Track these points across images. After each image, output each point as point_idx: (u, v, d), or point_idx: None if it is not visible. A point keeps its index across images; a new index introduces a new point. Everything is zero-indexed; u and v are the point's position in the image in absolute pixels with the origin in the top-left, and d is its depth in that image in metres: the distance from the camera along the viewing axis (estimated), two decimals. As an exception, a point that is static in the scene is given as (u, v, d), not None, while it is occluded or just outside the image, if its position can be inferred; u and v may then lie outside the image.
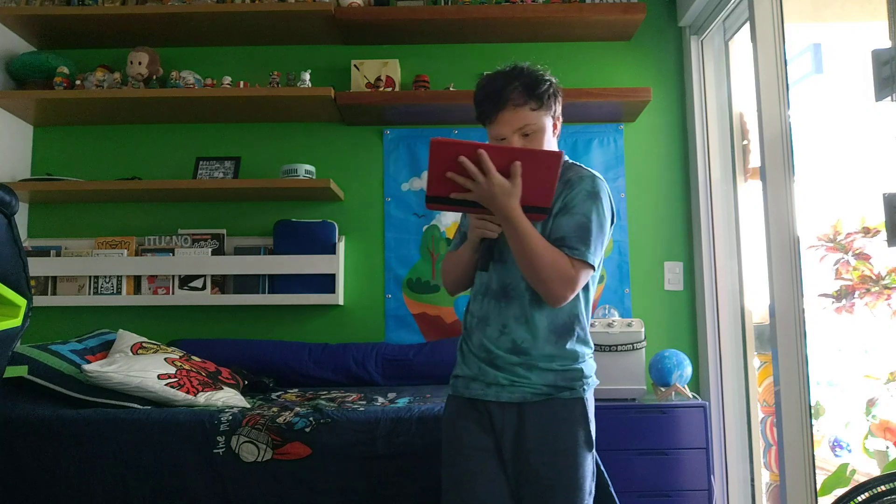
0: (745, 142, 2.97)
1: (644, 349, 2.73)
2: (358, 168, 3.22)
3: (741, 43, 2.93)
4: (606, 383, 2.70)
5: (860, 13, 2.78)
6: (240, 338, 3.04)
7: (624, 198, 3.17)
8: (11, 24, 3.08)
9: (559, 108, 1.60)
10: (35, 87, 3.05)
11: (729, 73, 3.06)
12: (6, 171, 3.06)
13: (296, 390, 2.69)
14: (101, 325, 2.86)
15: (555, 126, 1.59)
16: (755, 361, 2.87)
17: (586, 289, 1.58)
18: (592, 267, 1.51)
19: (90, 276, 3.07)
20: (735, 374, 2.91)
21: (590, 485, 1.54)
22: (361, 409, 2.11)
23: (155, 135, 3.25)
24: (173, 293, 3.06)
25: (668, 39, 3.27)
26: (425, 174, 3.14)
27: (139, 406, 2.13)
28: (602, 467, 1.94)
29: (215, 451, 1.93)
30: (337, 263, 3.04)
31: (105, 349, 2.48)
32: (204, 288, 3.06)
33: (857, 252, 2.88)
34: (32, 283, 2.98)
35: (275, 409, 2.10)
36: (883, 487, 1.61)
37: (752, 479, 2.83)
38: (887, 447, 2.69)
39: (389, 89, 3.05)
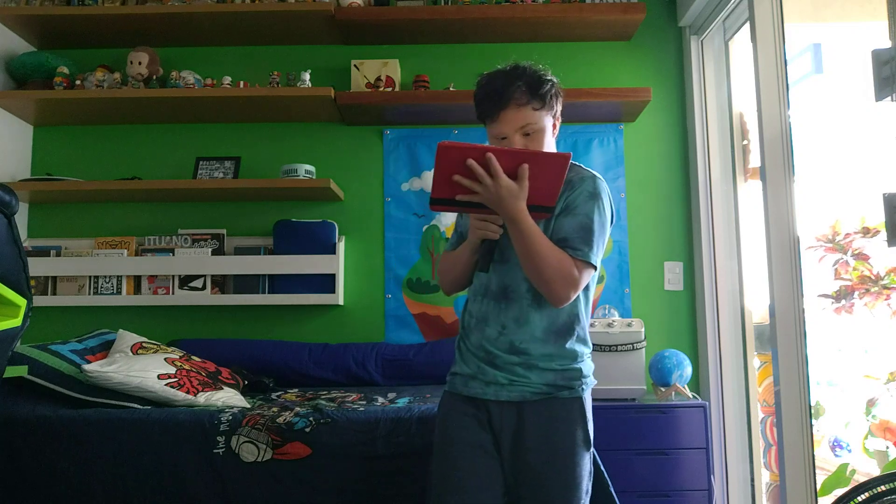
0: (745, 142, 2.97)
1: (644, 349, 2.73)
2: (358, 168, 3.22)
3: (741, 43, 2.93)
4: (606, 383, 2.70)
5: (860, 13, 2.78)
6: (240, 338, 3.04)
7: (624, 198, 3.17)
8: (11, 24, 3.08)
9: (559, 108, 1.60)
10: (35, 87, 3.05)
11: (729, 73, 3.06)
12: (6, 171, 3.06)
13: (296, 390, 2.69)
14: (101, 325, 2.87)
15: (554, 126, 1.60)
16: (755, 361, 2.87)
17: (586, 288, 1.58)
18: (595, 267, 1.52)
19: (90, 276, 3.07)
20: (735, 374, 2.91)
21: (587, 484, 1.54)
22: (361, 409, 2.12)
23: (155, 135, 3.25)
24: (173, 293, 3.06)
25: (668, 39, 3.27)
26: (426, 174, 3.18)
27: (139, 406, 2.13)
28: (602, 467, 1.94)
29: (215, 451, 1.93)
30: (337, 263, 3.04)
31: (105, 349, 2.48)
32: (204, 288, 3.06)
33: (855, 252, 2.88)
34: (32, 283, 2.98)
35: (275, 409, 2.10)
36: (883, 487, 1.61)
37: (752, 479, 2.83)
38: (887, 447, 2.69)
39: (389, 89, 3.05)
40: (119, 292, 3.06)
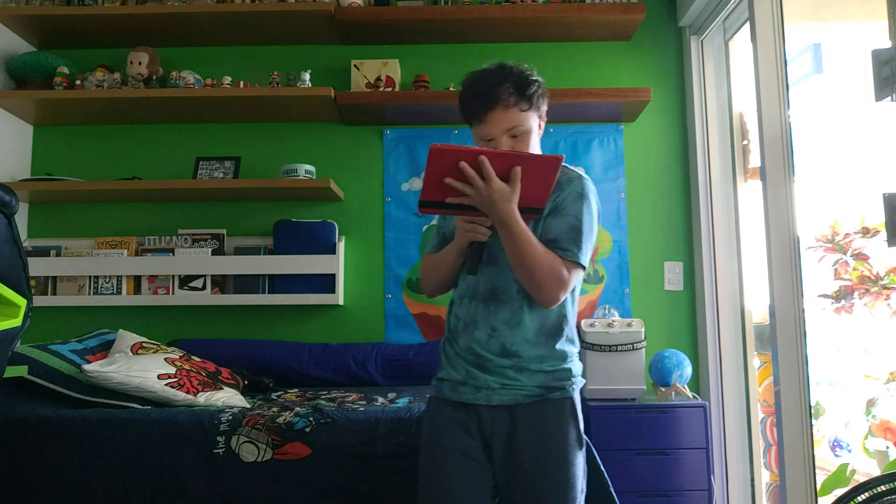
0: (745, 142, 2.97)
1: (644, 349, 2.73)
2: (358, 168, 3.22)
3: (741, 43, 2.93)
4: (606, 383, 2.70)
5: (860, 13, 2.78)
6: (240, 338, 3.04)
7: (624, 198, 3.17)
8: (11, 24, 3.08)
9: (545, 109, 1.59)
10: (35, 87, 3.05)
11: (729, 73, 3.06)
12: (6, 171, 3.06)
13: (296, 390, 2.69)
14: (101, 325, 2.86)
15: (540, 126, 1.58)
16: (755, 361, 2.87)
17: (573, 288, 1.58)
18: (584, 268, 1.52)
19: (90, 276, 3.07)
20: (735, 374, 2.91)
21: (581, 483, 1.53)
22: (361, 409, 2.12)
23: (155, 135, 3.25)
24: (173, 293, 3.06)
25: (668, 39, 3.27)
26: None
27: (139, 406, 2.13)
28: (602, 467, 1.94)
29: (215, 451, 1.93)
30: (337, 263, 3.04)
31: (105, 349, 2.48)
32: (204, 288, 3.06)
33: (855, 252, 2.88)
34: (32, 283, 2.98)
35: (275, 409, 2.10)
36: (883, 487, 1.61)
37: (752, 479, 2.83)
38: (887, 447, 2.69)
39: (389, 89, 3.05)
40: (119, 292, 3.06)
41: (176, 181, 3.09)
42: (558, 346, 1.54)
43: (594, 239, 1.57)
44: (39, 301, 3.01)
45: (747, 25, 2.52)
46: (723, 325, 2.95)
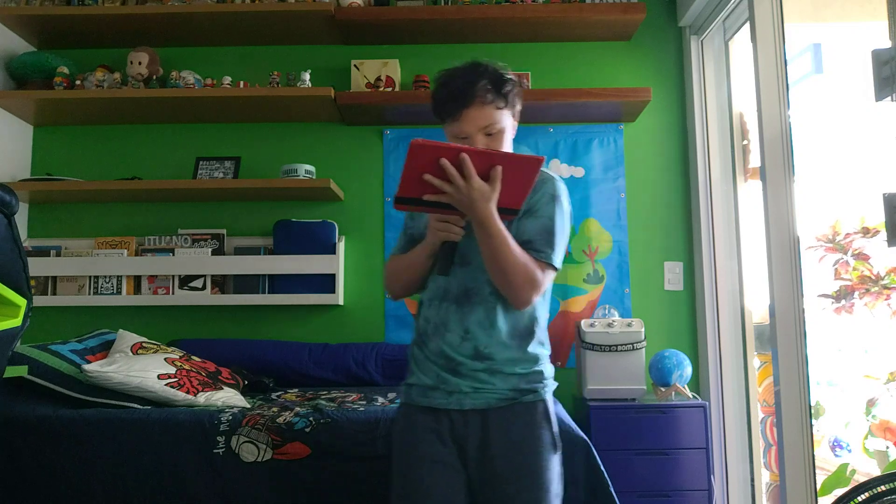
0: (745, 142, 2.97)
1: (644, 349, 2.73)
2: (358, 168, 3.22)
3: (741, 43, 2.93)
4: (606, 383, 2.70)
5: (860, 13, 2.78)
6: (240, 338, 3.04)
7: (624, 198, 3.17)
8: (11, 24, 3.08)
9: (519, 108, 1.57)
10: (35, 87, 3.05)
11: (729, 73, 3.06)
12: (6, 171, 3.06)
13: (296, 390, 2.69)
14: (101, 325, 2.86)
15: (513, 126, 1.56)
16: (755, 361, 2.87)
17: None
18: (557, 269, 1.52)
19: (90, 276, 3.07)
20: (735, 374, 2.91)
21: (557, 487, 1.51)
22: (361, 409, 2.12)
23: (155, 135, 3.25)
24: (173, 293, 3.06)
25: (668, 39, 3.27)
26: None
27: (139, 406, 2.13)
28: (602, 467, 1.94)
29: (215, 451, 1.93)
30: (337, 263, 3.04)
31: (105, 349, 2.48)
32: (204, 288, 3.06)
33: (856, 252, 2.88)
34: (32, 283, 2.98)
35: (275, 409, 2.10)
36: (883, 487, 1.61)
37: (752, 479, 2.83)
38: (887, 447, 2.69)
39: (389, 89, 3.05)
40: (119, 292, 3.06)
41: (176, 181, 3.09)
42: (530, 348, 1.53)
43: (566, 241, 1.56)
44: (39, 301, 3.01)
45: (747, 25, 2.52)
46: (723, 325, 2.95)
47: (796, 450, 2.24)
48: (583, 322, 2.78)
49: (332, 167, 3.17)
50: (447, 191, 1.36)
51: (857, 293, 2.85)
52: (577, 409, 2.86)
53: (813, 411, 2.39)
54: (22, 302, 1.41)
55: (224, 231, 3.14)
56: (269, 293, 3.05)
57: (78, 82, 3.05)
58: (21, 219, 3.13)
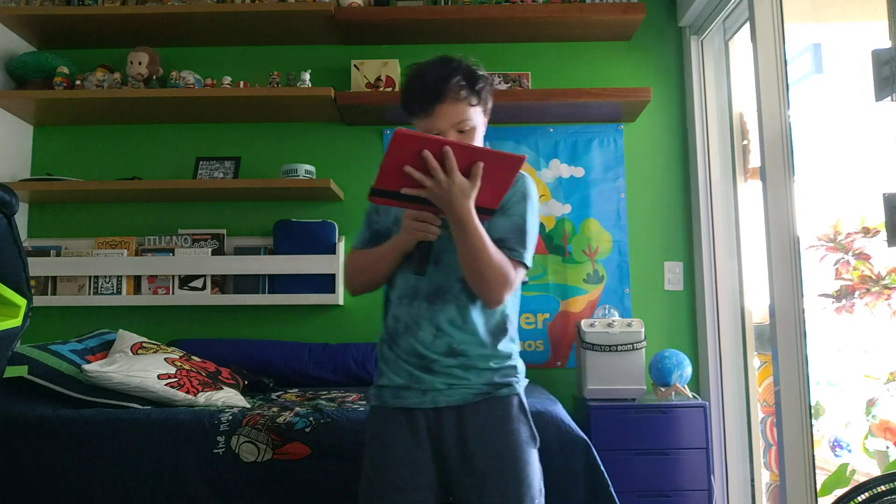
0: (745, 142, 2.97)
1: (644, 349, 2.73)
2: (358, 168, 3.21)
3: (741, 43, 2.93)
4: (606, 383, 2.70)
5: (860, 13, 2.78)
6: (240, 338, 3.04)
7: (624, 198, 3.17)
8: (11, 24, 3.08)
9: (490, 106, 1.55)
10: (35, 87, 3.05)
11: (729, 73, 3.06)
12: (6, 171, 3.06)
13: (296, 390, 2.69)
14: (101, 325, 2.86)
15: (484, 124, 1.55)
16: (755, 361, 2.87)
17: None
18: (528, 268, 1.51)
19: (90, 276, 3.07)
20: (735, 374, 2.91)
21: (539, 484, 1.48)
22: (361, 409, 2.12)
23: (155, 135, 3.25)
24: (173, 293, 3.06)
25: (668, 39, 3.27)
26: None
27: (139, 406, 2.13)
28: (602, 467, 1.94)
29: (215, 451, 1.93)
30: (337, 263, 3.04)
31: (105, 349, 2.48)
32: (204, 288, 3.06)
33: (857, 252, 2.88)
34: (32, 283, 2.98)
35: (275, 409, 2.10)
36: (883, 487, 1.61)
37: (752, 479, 2.83)
38: (887, 447, 2.69)
39: (389, 89, 3.05)
40: (119, 292, 3.06)
41: (176, 181, 3.09)
42: (502, 344, 1.52)
43: (535, 239, 1.55)
44: (39, 301, 3.01)
45: (747, 25, 2.52)
46: (723, 325, 2.95)
47: (796, 450, 2.24)
48: (583, 322, 2.78)
49: (332, 167, 3.17)
50: (427, 185, 1.32)
51: (857, 293, 2.85)
52: (577, 409, 2.86)
53: (813, 411, 2.39)
54: (22, 302, 1.41)
55: (224, 231, 3.14)
56: (268, 293, 3.05)
57: (78, 82, 3.05)
58: (21, 219, 3.13)
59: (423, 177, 1.32)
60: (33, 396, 2.10)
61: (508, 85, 3.18)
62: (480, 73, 1.51)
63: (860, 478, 2.46)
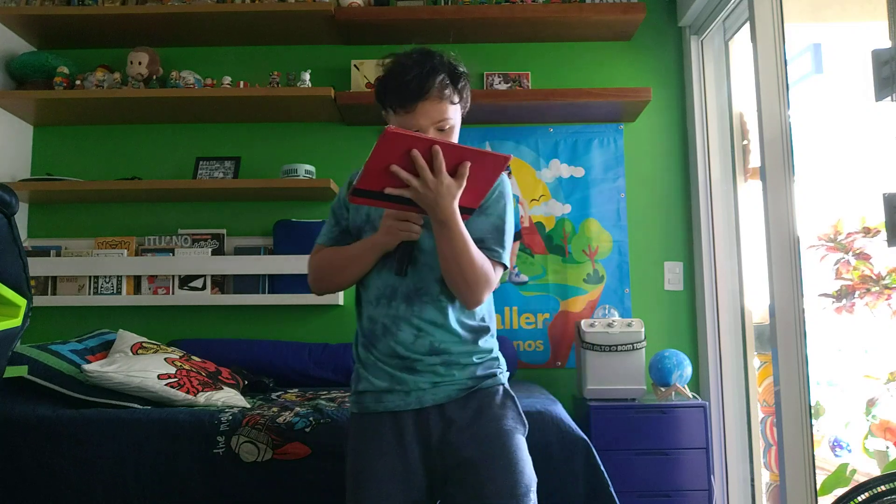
0: (745, 142, 2.98)
1: (644, 349, 2.73)
2: (358, 168, 3.21)
3: (741, 43, 2.93)
4: (606, 383, 2.70)
5: (860, 13, 2.78)
6: (240, 338, 3.04)
7: (624, 198, 3.17)
8: (11, 24, 3.08)
9: (469, 104, 1.54)
10: (35, 87, 3.05)
11: (729, 73, 3.06)
12: (6, 171, 3.06)
13: (296, 390, 2.69)
14: (101, 325, 2.86)
15: (459, 122, 1.53)
16: (755, 361, 2.87)
17: None
18: (507, 268, 1.51)
19: (90, 276, 3.06)
20: (735, 374, 2.91)
21: (530, 470, 1.46)
22: (361, 409, 2.11)
23: (155, 135, 3.25)
24: (173, 293, 3.06)
25: (668, 39, 3.27)
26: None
27: (139, 406, 2.13)
28: (602, 467, 1.94)
29: (215, 451, 1.93)
30: (337, 263, 3.03)
31: (105, 349, 2.48)
32: (204, 288, 3.06)
33: (857, 252, 2.88)
34: (32, 283, 2.98)
35: (275, 409, 2.10)
36: (883, 487, 1.61)
37: (752, 479, 2.83)
38: (887, 447, 2.69)
39: (389, 89, 3.04)
40: (119, 292, 3.06)
41: (176, 181, 3.09)
42: (483, 341, 1.51)
43: (512, 239, 1.54)
44: (39, 301, 3.01)
45: (747, 25, 2.52)
46: (723, 325, 2.95)
47: (796, 450, 2.24)
48: (583, 322, 2.78)
49: (332, 167, 3.17)
50: (413, 185, 1.29)
51: (857, 293, 2.85)
52: (577, 409, 2.86)
53: (813, 411, 2.39)
54: (22, 302, 1.41)
55: (224, 231, 3.14)
56: (269, 293, 3.05)
57: (78, 82, 3.05)
58: (21, 219, 3.13)
59: (409, 177, 1.28)
60: (33, 396, 2.10)
61: (508, 85, 3.18)
62: (462, 70, 1.50)
63: (860, 478, 2.46)
